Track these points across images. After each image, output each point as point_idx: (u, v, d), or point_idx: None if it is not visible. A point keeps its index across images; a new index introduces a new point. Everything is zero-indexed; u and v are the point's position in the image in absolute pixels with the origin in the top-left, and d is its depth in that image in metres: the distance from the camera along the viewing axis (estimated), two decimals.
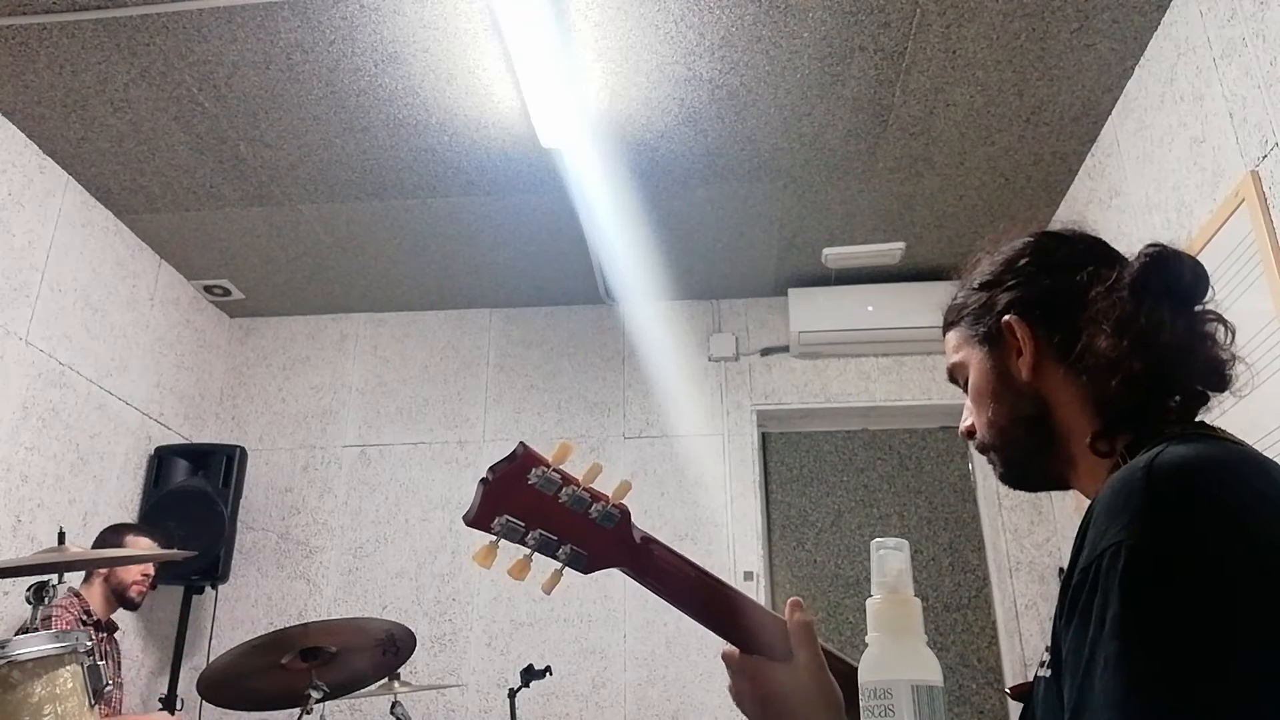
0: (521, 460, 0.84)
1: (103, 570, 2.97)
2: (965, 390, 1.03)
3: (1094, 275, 0.94)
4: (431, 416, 4.25)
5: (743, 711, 0.87)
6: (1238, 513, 0.70)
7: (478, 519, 0.82)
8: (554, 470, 0.84)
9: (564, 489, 0.84)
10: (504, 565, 0.83)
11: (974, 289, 1.01)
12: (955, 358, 1.03)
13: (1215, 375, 0.90)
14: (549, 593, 0.85)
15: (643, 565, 0.86)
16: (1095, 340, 0.89)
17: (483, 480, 0.83)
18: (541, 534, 0.83)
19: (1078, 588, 0.73)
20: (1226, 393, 0.92)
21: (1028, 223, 1.05)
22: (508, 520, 0.82)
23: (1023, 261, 0.99)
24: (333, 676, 2.53)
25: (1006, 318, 0.95)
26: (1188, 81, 2.53)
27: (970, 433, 1.02)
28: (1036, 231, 1.02)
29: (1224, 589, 0.66)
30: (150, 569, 3.09)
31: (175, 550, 2.55)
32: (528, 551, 0.84)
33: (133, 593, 3.02)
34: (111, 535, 3.03)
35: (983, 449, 1.01)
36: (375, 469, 4.18)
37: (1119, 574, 0.69)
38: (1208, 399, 0.91)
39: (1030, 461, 0.97)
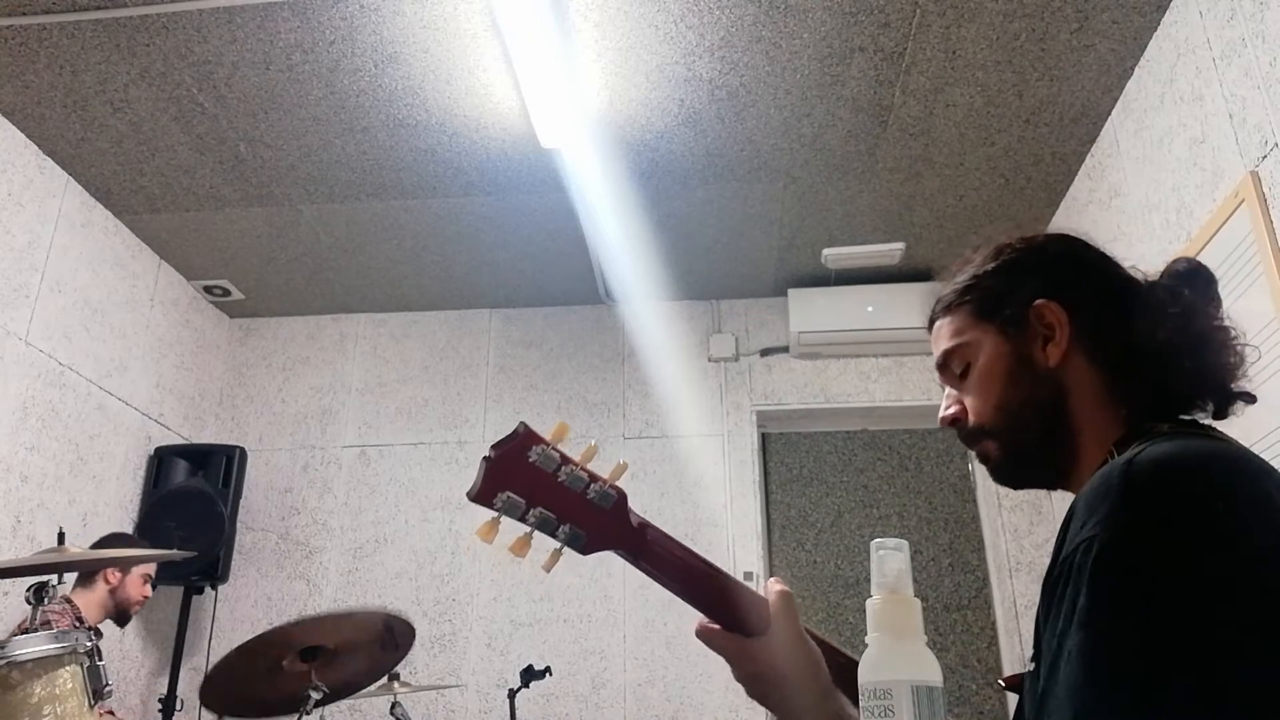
0: (522, 438, 0.85)
1: (112, 582, 2.97)
2: (957, 377, 0.99)
3: (1135, 272, 0.96)
4: (431, 417, 4.25)
5: (746, 692, 0.88)
6: (1214, 510, 0.71)
7: (481, 494, 0.83)
8: (553, 449, 0.85)
9: (563, 468, 0.85)
10: (504, 542, 0.84)
11: (987, 273, 0.99)
12: (957, 340, 0.99)
13: (1242, 388, 0.92)
14: (548, 571, 0.86)
15: (638, 548, 0.87)
16: (1156, 331, 0.89)
17: (485, 458, 0.84)
18: (542, 512, 0.84)
19: (1055, 581, 0.74)
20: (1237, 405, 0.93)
21: (1024, 226, 1.05)
22: (509, 497, 0.83)
23: (1054, 251, 0.98)
24: (333, 677, 2.53)
25: (1038, 302, 0.93)
26: (1187, 82, 2.53)
27: (956, 419, 0.99)
28: (1045, 233, 1.02)
29: (1194, 585, 0.67)
30: (149, 591, 3.10)
31: (175, 550, 2.54)
32: (528, 529, 0.85)
33: (134, 610, 3.05)
34: (117, 543, 3.03)
35: (976, 436, 0.97)
36: (375, 469, 4.18)
37: (1090, 567, 0.70)
38: (1252, 399, 0.92)
39: (1035, 449, 0.94)
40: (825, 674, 0.84)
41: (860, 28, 2.70)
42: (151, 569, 3.11)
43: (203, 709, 2.49)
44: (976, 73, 2.88)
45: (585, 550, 0.85)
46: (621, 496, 0.86)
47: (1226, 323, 0.93)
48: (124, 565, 2.98)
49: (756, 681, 0.85)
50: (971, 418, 0.98)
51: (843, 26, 2.70)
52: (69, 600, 2.90)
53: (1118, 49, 2.77)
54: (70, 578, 2.99)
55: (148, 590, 3.08)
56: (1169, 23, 2.62)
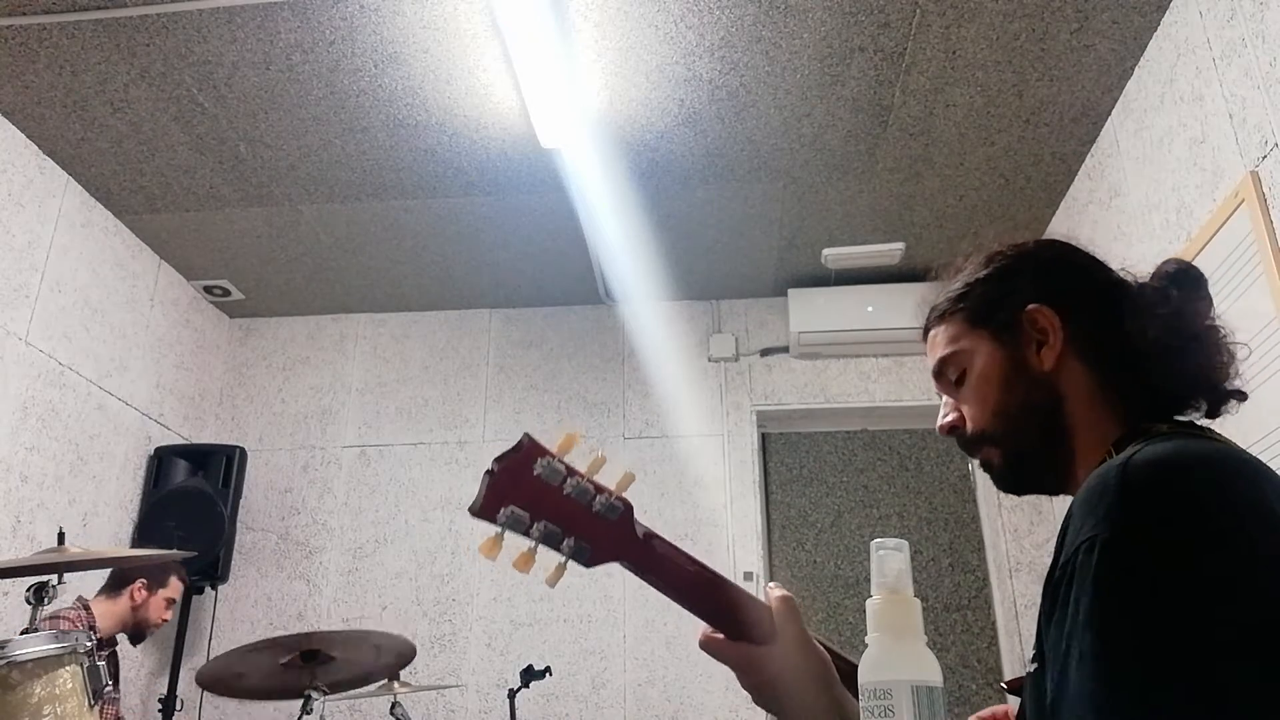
0: (527, 451, 0.83)
1: (137, 600, 2.97)
2: (953, 385, 1.00)
3: (1125, 274, 0.97)
4: (431, 417, 4.25)
5: (754, 700, 0.88)
6: (1211, 510, 0.71)
7: (483, 510, 0.81)
8: (559, 461, 0.83)
9: (568, 480, 0.83)
10: (509, 557, 0.83)
11: (979, 280, 1.00)
12: (951, 348, 1.00)
13: (1234, 386, 0.92)
14: (553, 586, 0.84)
15: (644, 560, 0.85)
16: (1148, 331, 0.90)
17: (488, 472, 0.82)
18: (546, 525, 0.82)
19: (1057, 583, 0.74)
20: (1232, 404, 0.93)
21: (1016, 231, 1.06)
22: (513, 511, 0.81)
23: (1045, 256, 0.99)
24: (333, 677, 2.53)
25: (1030, 307, 0.94)
26: (1187, 82, 2.53)
27: (955, 427, 0.99)
28: (1035, 240, 1.03)
29: (1194, 585, 0.67)
30: (169, 616, 3.12)
31: (175, 550, 2.54)
32: (532, 544, 0.83)
33: (150, 631, 3.06)
34: (159, 571, 3.03)
35: (976, 443, 0.98)
36: (375, 469, 4.18)
37: (1092, 568, 0.70)
38: (1243, 396, 0.92)
39: (1035, 453, 0.95)
40: (835, 678, 0.84)
41: (860, 28, 2.70)
42: (177, 593, 3.12)
43: (204, 697, 2.49)
44: (976, 73, 2.88)
45: (590, 564, 0.83)
46: (628, 508, 0.84)
47: (1217, 322, 0.93)
48: (127, 567, 2.98)
49: (764, 689, 0.85)
50: (970, 425, 0.98)
51: (843, 26, 2.70)
52: (86, 606, 2.88)
53: (1118, 49, 2.77)
54: (72, 578, 2.98)
55: (168, 615, 3.09)
56: (1169, 23, 2.62)
